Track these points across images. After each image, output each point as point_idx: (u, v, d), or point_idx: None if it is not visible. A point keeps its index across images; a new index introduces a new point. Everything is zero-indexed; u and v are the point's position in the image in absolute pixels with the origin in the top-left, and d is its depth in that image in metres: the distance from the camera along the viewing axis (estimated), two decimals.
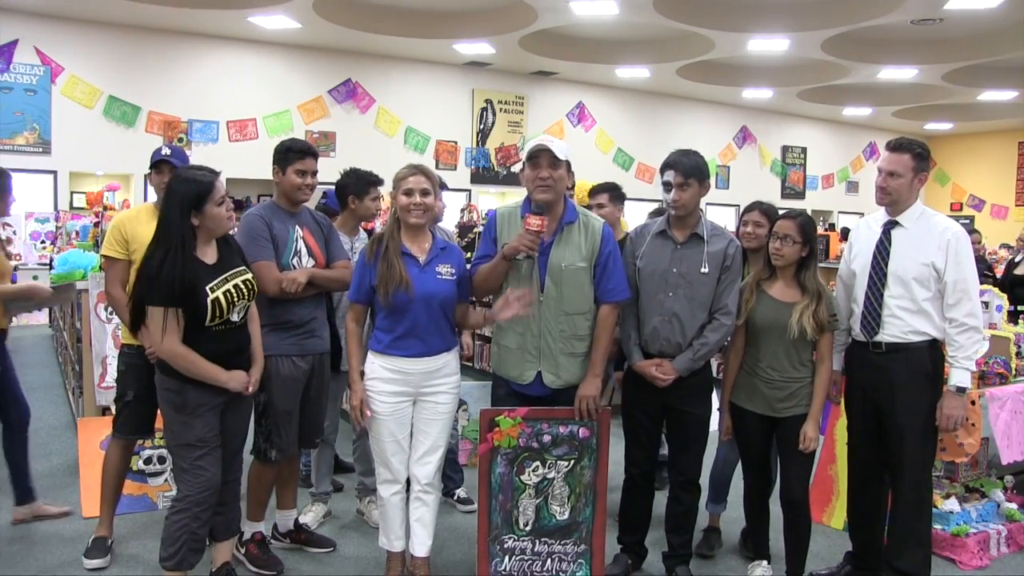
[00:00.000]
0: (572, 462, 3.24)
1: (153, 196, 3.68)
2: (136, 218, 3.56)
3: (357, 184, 4.06)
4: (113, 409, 3.74)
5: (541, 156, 3.10)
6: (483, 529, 3.24)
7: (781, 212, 3.58)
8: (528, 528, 3.25)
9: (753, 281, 3.39)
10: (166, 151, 3.61)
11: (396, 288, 3.09)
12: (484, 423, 3.18)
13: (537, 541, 3.26)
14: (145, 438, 3.72)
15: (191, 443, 2.97)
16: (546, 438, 3.21)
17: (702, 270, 3.26)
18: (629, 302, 3.32)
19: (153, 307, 2.87)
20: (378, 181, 4.12)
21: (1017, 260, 7.38)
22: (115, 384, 3.69)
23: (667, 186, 3.29)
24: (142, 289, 2.92)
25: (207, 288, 2.92)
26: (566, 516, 3.26)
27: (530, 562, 3.26)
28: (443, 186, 4.25)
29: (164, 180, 3.48)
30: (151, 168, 3.61)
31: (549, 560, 3.26)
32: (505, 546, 3.24)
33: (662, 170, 3.34)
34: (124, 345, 3.61)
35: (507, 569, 3.24)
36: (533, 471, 3.22)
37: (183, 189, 2.94)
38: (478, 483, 3.23)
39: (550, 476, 3.23)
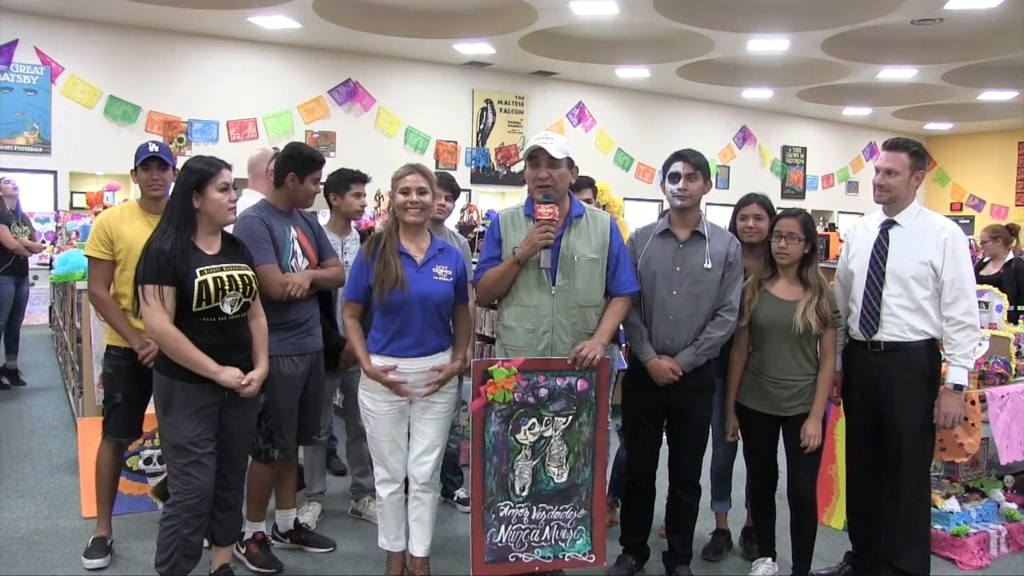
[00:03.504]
0: (570, 418, 3.06)
1: (138, 194, 3.64)
2: (120, 216, 3.50)
3: (338, 182, 4.03)
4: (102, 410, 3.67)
5: (539, 156, 3.08)
6: (477, 496, 3.05)
7: (778, 210, 3.59)
8: (525, 493, 3.06)
9: (754, 281, 3.40)
10: (154, 147, 3.53)
11: (392, 287, 3.09)
12: (476, 375, 3.01)
13: (535, 508, 3.07)
14: (134, 440, 3.70)
15: (179, 446, 2.91)
16: (543, 392, 3.03)
17: (706, 265, 3.26)
18: (634, 301, 3.33)
19: (144, 285, 2.87)
20: (360, 177, 4.06)
21: (985, 261, 7.28)
22: (102, 385, 3.63)
23: (675, 177, 3.29)
24: (138, 268, 2.93)
25: (197, 270, 2.91)
26: (564, 478, 3.09)
27: (527, 531, 3.08)
28: (456, 192, 4.23)
29: (152, 177, 3.47)
30: (139, 165, 3.50)
31: (547, 528, 3.09)
32: (501, 515, 3.06)
33: (668, 163, 3.35)
34: (109, 346, 3.55)
35: (503, 540, 3.06)
36: (529, 429, 3.03)
37: (190, 169, 2.99)
38: (471, 444, 3.05)
39: (547, 435, 3.05)
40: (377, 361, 3.19)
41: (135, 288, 2.95)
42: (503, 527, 3.05)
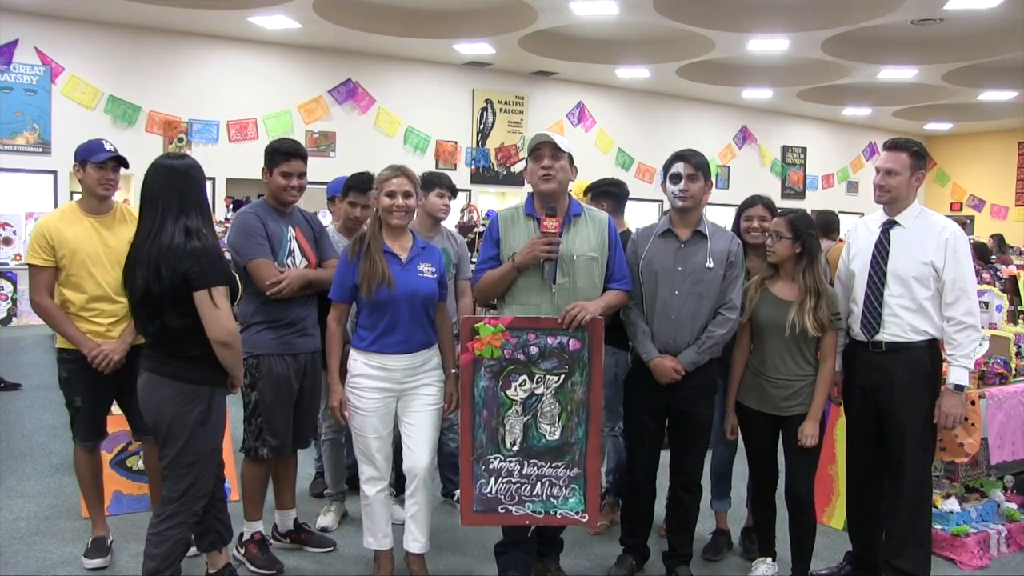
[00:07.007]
0: (562, 377, 3.03)
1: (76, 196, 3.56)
2: (60, 220, 3.39)
3: (349, 187, 3.91)
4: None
5: (543, 148, 3.14)
6: (466, 447, 3.04)
7: (779, 210, 3.60)
8: (516, 448, 3.03)
9: (758, 280, 3.42)
10: (110, 146, 3.39)
11: (379, 285, 3.13)
12: (465, 331, 3.03)
13: (526, 462, 3.04)
14: (102, 440, 3.60)
15: (213, 451, 2.89)
16: (533, 350, 3.01)
17: (707, 265, 3.27)
18: (636, 302, 3.34)
19: (215, 288, 2.75)
20: (355, 186, 3.94)
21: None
22: (60, 388, 3.48)
23: (676, 178, 3.31)
24: (193, 272, 2.74)
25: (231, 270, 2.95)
26: (557, 436, 3.05)
27: (518, 485, 3.05)
28: (454, 192, 4.17)
29: (107, 176, 3.36)
30: (94, 162, 3.33)
31: (539, 484, 3.06)
32: (491, 467, 3.04)
33: (669, 163, 3.35)
34: (60, 350, 3.42)
35: (492, 491, 3.05)
36: (520, 386, 3.02)
37: (198, 170, 2.92)
38: (460, 396, 3.08)
39: (539, 392, 3.03)
40: (363, 358, 3.21)
41: (202, 292, 2.75)
42: (493, 479, 3.05)
